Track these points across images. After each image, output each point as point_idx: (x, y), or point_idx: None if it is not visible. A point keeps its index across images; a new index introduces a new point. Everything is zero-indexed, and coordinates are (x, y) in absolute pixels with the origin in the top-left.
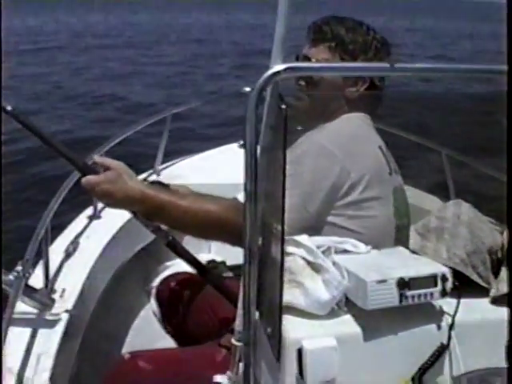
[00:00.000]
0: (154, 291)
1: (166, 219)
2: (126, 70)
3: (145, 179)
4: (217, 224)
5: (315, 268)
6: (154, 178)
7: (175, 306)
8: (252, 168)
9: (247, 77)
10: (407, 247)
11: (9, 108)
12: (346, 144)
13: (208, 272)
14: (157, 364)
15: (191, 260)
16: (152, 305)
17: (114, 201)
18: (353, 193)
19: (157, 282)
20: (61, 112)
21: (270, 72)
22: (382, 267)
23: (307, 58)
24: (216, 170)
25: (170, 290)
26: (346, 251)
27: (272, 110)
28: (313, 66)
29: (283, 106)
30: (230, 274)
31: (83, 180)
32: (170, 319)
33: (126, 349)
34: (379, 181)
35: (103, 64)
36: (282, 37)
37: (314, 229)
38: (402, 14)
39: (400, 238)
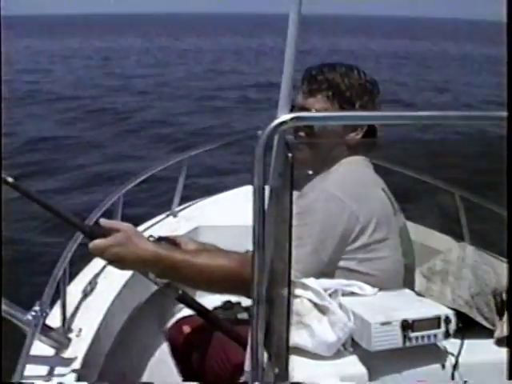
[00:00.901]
0: (165, 335)
1: (181, 279)
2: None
3: (150, 236)
4: (232, 280)
5: (322, 310)
6: (158, 232)
7: (188, 350)
8: (260, 212)
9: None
10: (413, 286)
11: (10, 180)
12: (352, 189)
13: (219, 321)
14: None
15: (202, 311)
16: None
17: (125, 264)
18: (362, 236)
19: (170, 324)
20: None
21: (277, 121)
22: (387, 309)
23: (304, 109)
24: (232, 212)
25: (182, 334)
26: (352, 293)
27: (279, 157)
28: (319, 115)
29: (290, 154)
30: (245, 315)
31: (91, 245)
32: (183, 363)
33: None
34: (386, 222)
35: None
36: (289, 86)
37: (328, 274)
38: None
39: (408, 277)
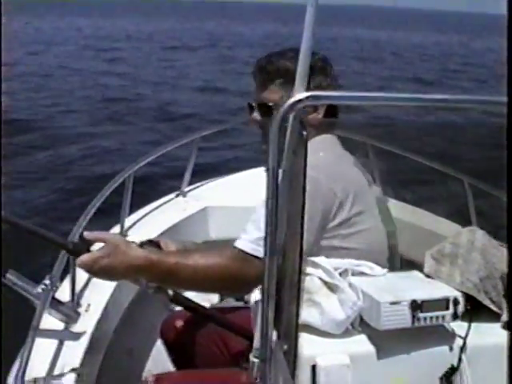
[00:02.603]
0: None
1: (176, 282)
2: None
3: (132, 242)
4: (227, 277)
5: (331, 288)
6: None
7: (182, 344)
8: (273, 191)
9: None
10: (397, 252)
11: None
12: (325, 167)
13: (216, 315)
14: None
15: (197, 308)
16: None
17: (116, 274)
18: (342, 212)
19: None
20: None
21: (292, 100)
22: (396, 289)
23: (263, 104)
24: (242, 193)
25: (176, 329)
26: (362, 273)
27: (293, 135)
28: (335, 94)
29: (304, 133)
30: (241, 303)
31: (78, 262)
32: (179, 359)
33: (148, 366)
34: (362, 195)
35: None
36: (306, 64)
37: (315, 254)
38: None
39: (393, 244)
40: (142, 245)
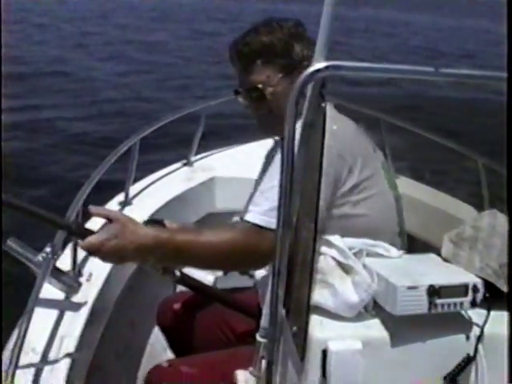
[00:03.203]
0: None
1: (188, 260)
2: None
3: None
4: (240, 252)
5: (345, 269)
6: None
7: (181, 327)
8: (289, 163)
9: None
10: (403, 216)
11: None
12: (333, 133)
13: (222, 294)
14: (200, 368)
15: (204, 289)
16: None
17: (126, 256)
18: (352, 176)
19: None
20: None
21: (311, 69)
22: (413, 273)
23: (252, 88)
24: (249, 164)
25: (173, 313)
26: (377, 254)
27: (311, 107)
28: (356, 65)
29: (323, 104)
30: (250, 283)
31: (83, 244)
32: (176, 342)
33: (151, 340)
34: (369, 159)
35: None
36: (327, 33)
37: (329, 224)
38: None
39: (399, 209)
40: (145, 223)
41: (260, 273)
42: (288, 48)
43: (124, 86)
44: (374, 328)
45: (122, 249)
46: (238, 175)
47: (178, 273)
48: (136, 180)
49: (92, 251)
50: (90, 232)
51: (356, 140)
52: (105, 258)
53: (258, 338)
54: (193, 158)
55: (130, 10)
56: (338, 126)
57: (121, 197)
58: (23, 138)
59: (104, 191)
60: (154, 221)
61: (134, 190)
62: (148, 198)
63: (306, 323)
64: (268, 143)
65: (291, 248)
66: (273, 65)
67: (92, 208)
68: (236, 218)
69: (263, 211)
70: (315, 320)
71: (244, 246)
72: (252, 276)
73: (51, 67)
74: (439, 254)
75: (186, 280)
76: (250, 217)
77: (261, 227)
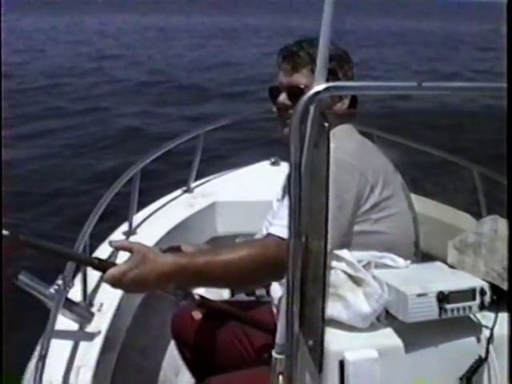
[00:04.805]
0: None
1: (209, 281)
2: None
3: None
4: (262, 265)
5: (356, 281)
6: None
7: (198, 344)
8: (296, 184)
9: None
10: (418, 238)
11: (5, 233)
12: (355, 151)
13: (242, 315)
14: None
15: (226, 310)
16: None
17: (148, 284)
18: (373, 195)
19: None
20: None
21: (312, 91)
22: (422, 281)
23: (291, 86)
24: (248, 188)
25: (189, 328)
26: (385, 265)
27: (314, 128)
28: (354, 85)
29: (326, 124)
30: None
31: (105, 277)
32: (194, 360)
33: (163, 365)
34: (390, 179)
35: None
36: (326, 56)
37: (346, 243)
38: None
39: (416, 229)
40: (164, 251)
41: (275, 290)
42: (336, 67)
43: None
44: (388, 336)
45: (144, 278)
46: (239, 199)
47: (197, 297)
48: (138, 209)
49: (114, 283)
50: (112, 264)
51: (378, 160)
52: (127, 288)
53: (274, 354)
54: (192, 184)
55: None
56: (360, 146)
57: (124, 227)
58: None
59: (108, 221)
60: (171, 248)
61: (136, 219)
62: (151, 226)
63: (322, 336)
64: (264, 166)
65: (303, 264)
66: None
67: (114, 242)
68: (239, 240)
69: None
70: (330, 333)
71: (267, 259)
72: (258, 298)
73: None
74: (444, 263)
75: (206, 303)
76: (273, 230)
77: (283, 239)
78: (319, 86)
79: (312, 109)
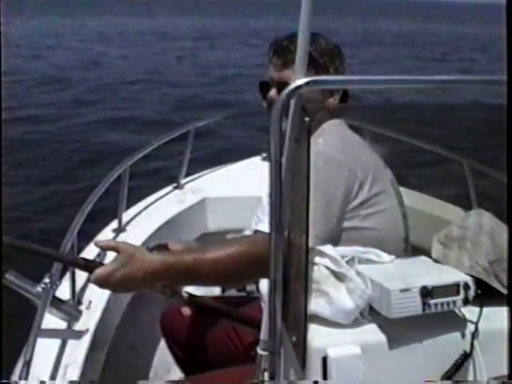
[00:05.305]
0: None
1: (197, 279)
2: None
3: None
4: (251, 261)
5: (339, 277)
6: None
7: (188, 341)
8: (277, 180)
9: None
10: (408, 234)
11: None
12: (344, 148)
13: (232, 311)
14: None
15: (215, 308)
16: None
17: (136, 284)
18: (362, 192)
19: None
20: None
21: (292, 86)
22: (405, 276)
23: (281, 82)
24: (239, 183)
25: (179, 325)
26: (369, 261)
27: (295, 122)
28: (335, 79)
29: (306, 119)
30: (243, 294)
31: (92, 277)
32: (185, 358)
33: (154, 363)
34: (379, 175)
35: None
36: (305, 50)
37: (335, 238)
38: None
39: (406, 225)
40: (150, 250)
41: (264, 286)
42: (328, 62)
43: None
44: (372, 332)
45: (131, 277)
46: (229, 195)
47: (185, 294)
48: (128, 206)
49: (101, 283)
50: (99, 264)
51: (367, 157)
52: (114, 288)
53: (259, 351)
54: (183, 181)
55: None
56: (349, 142)
57: (114, 224)
58: None
59: (97, 218)
60: (158, 246)
61: (126, 216)
62: (141, 223)
63: (305, 332)
64: (254, 162)
65: (285, 260)
66: (309, 70)
67: (100, 242)
68: (230, 237)
69: None
70: (313, 329)
71: (255, 255)
72: (249, 293)
73: None
74: (429, 256)
75: (195, 301)
76: (261, 226)
77: None
78: (300, 81)
79: (293, 103)
